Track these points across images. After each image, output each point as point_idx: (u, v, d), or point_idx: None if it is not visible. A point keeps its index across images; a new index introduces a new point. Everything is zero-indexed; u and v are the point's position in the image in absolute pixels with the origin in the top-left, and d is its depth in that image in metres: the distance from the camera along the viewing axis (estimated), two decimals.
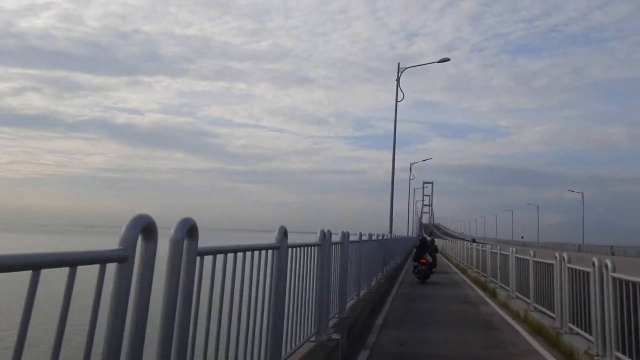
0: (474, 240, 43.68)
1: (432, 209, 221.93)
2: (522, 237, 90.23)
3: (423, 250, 16.55)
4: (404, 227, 49.10)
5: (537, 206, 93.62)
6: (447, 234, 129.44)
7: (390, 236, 16.45)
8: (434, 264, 17.23)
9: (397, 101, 21.43)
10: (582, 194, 71.60)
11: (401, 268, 21.10)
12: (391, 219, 21.98)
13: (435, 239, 35.67)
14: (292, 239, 3.63)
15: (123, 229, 1.55)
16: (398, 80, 21.40)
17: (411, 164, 46.28)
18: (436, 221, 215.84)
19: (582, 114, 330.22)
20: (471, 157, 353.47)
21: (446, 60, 22.48)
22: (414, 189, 65.05)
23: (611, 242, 61.40)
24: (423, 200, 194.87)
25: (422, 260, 16.01)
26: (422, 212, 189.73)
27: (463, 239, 65.26)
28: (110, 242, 1.72)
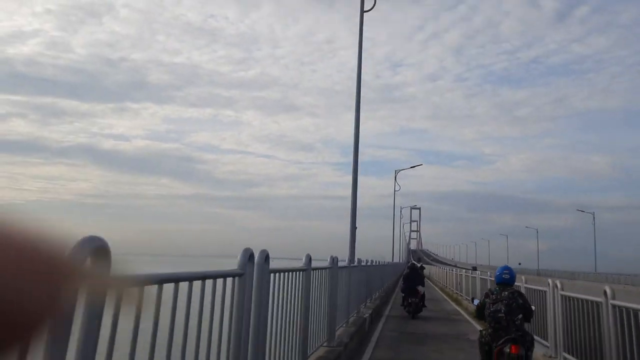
0: (474, 268, 37.56)
1: (420, 235, 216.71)
2: (520, 264, 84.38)
3: (414, 280, 13.97)
4: (389, 252, 43.48)
5: (537, 230, 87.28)
6: (437, 261, 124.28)
7: (355, 262, 9.59)
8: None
9: (361, 36, 13.93)
10: (593, 213, 63.87)
11: (380, 313, 15.97)
12: (353, 222, 13.55)
13: (425, 265, 30.36)
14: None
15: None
16: None
17: (396, 172, 37.65)
18: (424, 247, 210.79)
19: (563, 142, 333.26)
20: (456, 183, 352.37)
21: None
22: (401, 208, 56.31)
23: (597, 270, 56.44)
24: (410, 225, 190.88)
25: (417, 293, 13.51)
26: (409, 238, 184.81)
27: (455, 266, 59.83)
28: None
